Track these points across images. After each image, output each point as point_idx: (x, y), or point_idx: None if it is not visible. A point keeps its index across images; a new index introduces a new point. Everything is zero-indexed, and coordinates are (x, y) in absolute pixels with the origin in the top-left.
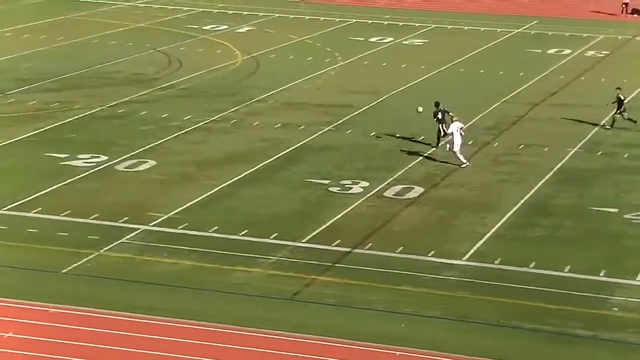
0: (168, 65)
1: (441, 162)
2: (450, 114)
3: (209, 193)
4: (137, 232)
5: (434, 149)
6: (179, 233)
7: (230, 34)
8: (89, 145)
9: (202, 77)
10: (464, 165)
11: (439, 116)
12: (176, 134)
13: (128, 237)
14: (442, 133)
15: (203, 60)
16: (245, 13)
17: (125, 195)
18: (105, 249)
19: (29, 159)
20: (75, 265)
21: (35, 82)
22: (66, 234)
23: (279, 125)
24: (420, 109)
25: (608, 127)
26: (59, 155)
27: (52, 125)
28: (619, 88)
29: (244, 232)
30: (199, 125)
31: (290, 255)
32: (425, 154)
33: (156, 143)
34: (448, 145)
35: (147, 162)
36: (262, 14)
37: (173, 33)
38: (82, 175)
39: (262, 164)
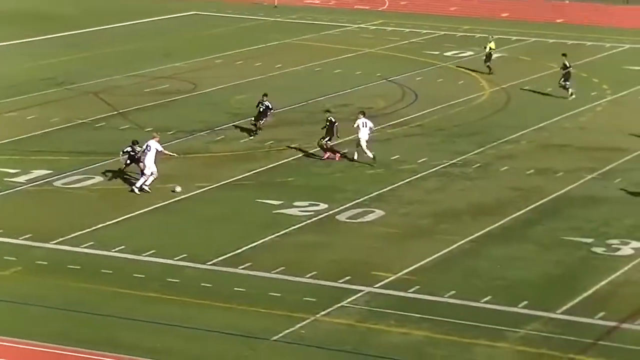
0: (401, 98)
1: None
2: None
3: (446, 250)
4: (360, 294)
5: None
6: (409, 297)
7: (477, 61)
8: (307, 191)
9: (442, 112)
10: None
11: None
12: (409, 180)
13: (349, 300)
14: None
15: (443, 92)
16: (496, 37)
17: (348, 250)
18: (323, 313)
19: (238, 205)
20: (287, 331)
21: (248, 117)
22: (278, 295)
23: (532, 171)
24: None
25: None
26: (272, 202)
27: (266, 167)
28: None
29: (487, 299)
30: (436, 169)
31: (543, 328)
32: None
33: (385, 190)
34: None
35: (374, 212)
36: (515, 37)
37: (409, 60)
38: (298, 226)
39: (510, 217)
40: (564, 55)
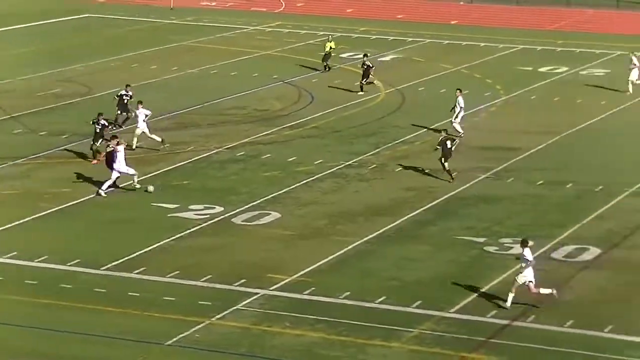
0: (298, 99)
1: (627, 217)
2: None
3: (342, 252)
4: (255, 297)
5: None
6: (304, 299)
7: (372, 63)
8: (203, 194)
9: (337, 113)
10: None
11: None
12: (305, 181)
13: (244, 303)
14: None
15: (339, 94)
16: (391, 38)
17: (243, 253)
18: (218, 316)
19: (134, 209)
20: (181, 335)
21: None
22: (173, 299)
23: (427, 171)
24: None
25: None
26: (167, 205)
27: (161, 170)
28: (366, 55)
29: (381, 299)
30: (332, 170)
31: (437, 327)
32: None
33: (281, 191)
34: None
35: (270, 214)
36: (410, 39)
37: (304, 62)
38: (193, 230)
39: (405, 218)
40: (365, 55)
